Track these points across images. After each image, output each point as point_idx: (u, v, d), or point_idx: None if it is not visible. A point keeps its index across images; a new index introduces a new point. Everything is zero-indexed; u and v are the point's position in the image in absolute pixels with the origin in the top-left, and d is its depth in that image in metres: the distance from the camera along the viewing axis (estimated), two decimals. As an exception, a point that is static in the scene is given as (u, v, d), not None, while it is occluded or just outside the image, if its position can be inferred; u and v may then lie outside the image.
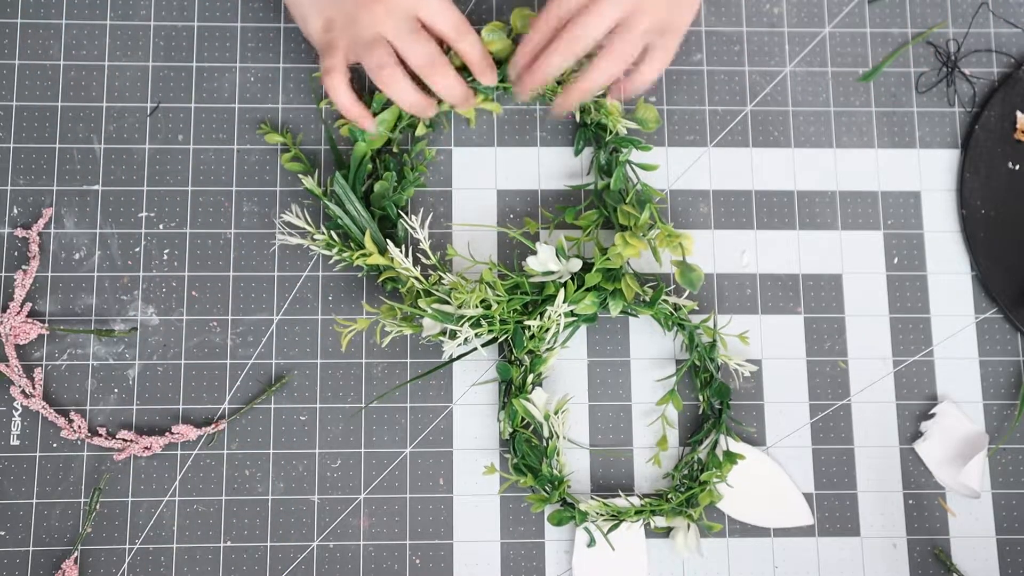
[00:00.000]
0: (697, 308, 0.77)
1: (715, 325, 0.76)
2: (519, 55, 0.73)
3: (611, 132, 0.77)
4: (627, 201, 0.75)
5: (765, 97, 0.80)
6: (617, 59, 0.71)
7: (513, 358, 0.74)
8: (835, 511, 0.75)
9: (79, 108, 0.78)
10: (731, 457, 0.74)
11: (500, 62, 0.76)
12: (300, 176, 0.77)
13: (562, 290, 0.72)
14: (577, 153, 0.79)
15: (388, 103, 0.76)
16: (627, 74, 0.73)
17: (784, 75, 0.81)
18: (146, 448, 0.73)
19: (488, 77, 0.74)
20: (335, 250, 0.75)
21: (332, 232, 0.75)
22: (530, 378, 0.74)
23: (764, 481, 0.75)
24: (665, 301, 0.74)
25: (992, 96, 0.80)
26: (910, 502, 0.76)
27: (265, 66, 0.79)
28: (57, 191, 0.77)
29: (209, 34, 0.79)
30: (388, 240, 0.74)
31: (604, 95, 0.76)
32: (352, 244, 0.75)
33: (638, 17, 0.70)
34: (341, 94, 0.72)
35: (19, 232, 0.76)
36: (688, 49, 0.81)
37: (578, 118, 0.78)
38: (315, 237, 0.75)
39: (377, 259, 0.73)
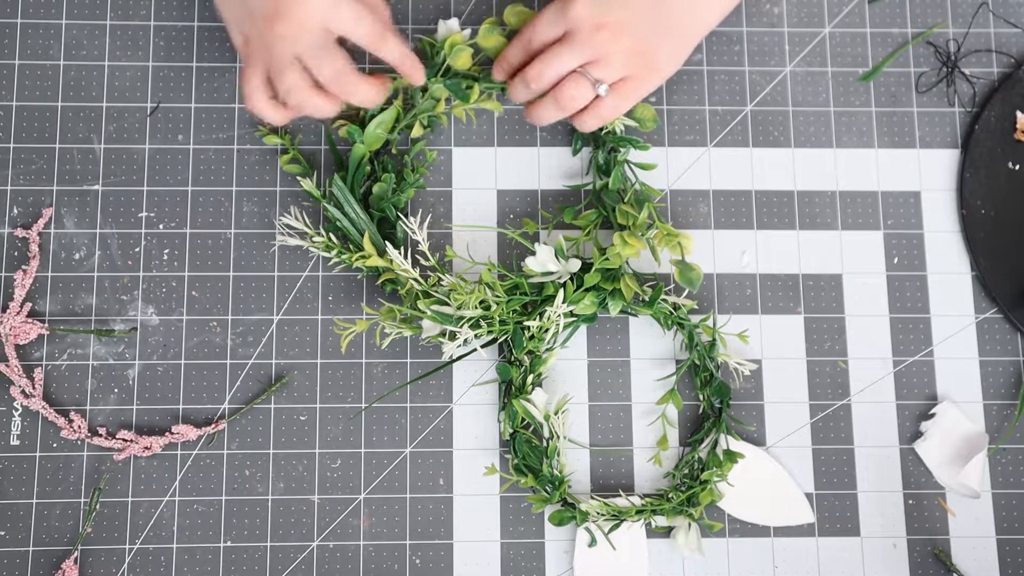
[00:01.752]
0: (696, 308, 0.77)
1: (715, 324, 0.76)
2: (495, 71, 0.75)
3: (608, 131, 0.77)
4: (625, 200, 0.75)
5: (765, 97, 0.80)
6: (560, 104, 0.72)
7: (513, 358, 0.74)
8: (835, 511, 0.75)
9: (79, 108, 0.78)
10: (731, 456, 0.74)
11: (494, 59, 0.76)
12: (299, 178, 0.77)
13: (561, 290, 0.72)
14: (575, 153, 0.79)
15: (385, 107, 0.76)
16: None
17: (784, 75, 0.81)
18: (146, 448, 0.73)
19: (417, 77, 0.73)
20: (334, 252, 0.75)
21: (331, 234, 0.75)
22: (530, 378, 0.74)
23: (765, 480, 0.75)
24: (664, 300, 0.74)
25: (992, 96, 0.80)
26: (910, 502, 0.76)
27: (265, 66, 0.79)
28: (57, 191, 0.77)
29: (209, 34, 0.79)
30: (387, 242, 0.74)
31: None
32: (351, 246, 0.75)
33: (596, 67, 0.70)
34: (265, 111, 0.71)
35: (19, 232, 0.76)
36: (688, 49, 0.81)
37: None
38: (314, 239, 0.75)
39: (376, 261, 0.73)
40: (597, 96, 0.71)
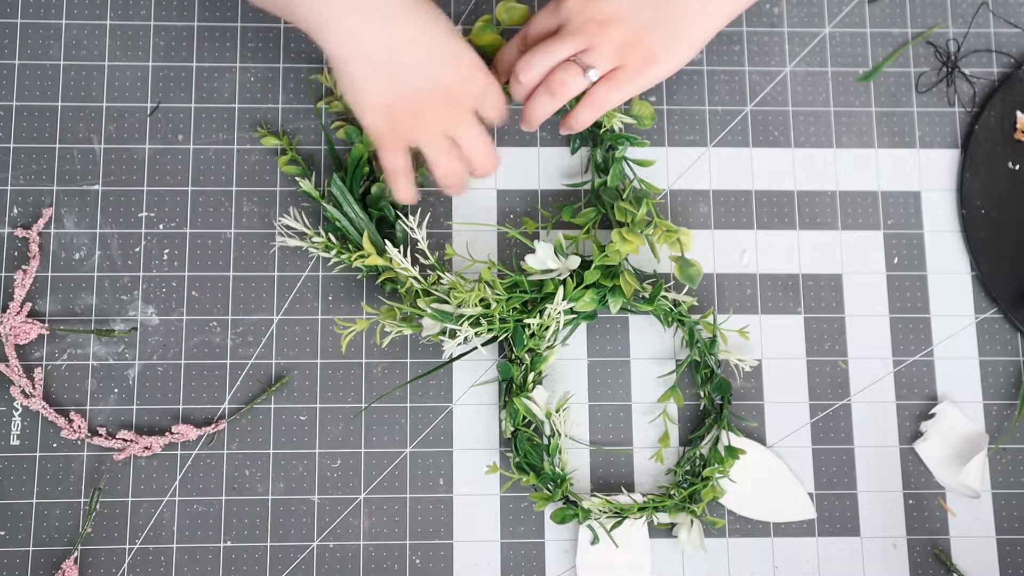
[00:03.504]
0: (697, 306, 0.77)
1: (715, 321, 0.76)
2: (496, 72, 0.75)
3: (606, 128, 0.77)
4: (624, 198, 0.75)
5: (765, 97, 0.81)
6: (552, 91, 0.71)
7: (513, 357, 0.74)
8: (835, 511, 0.75)
9: (79, 108, 0.78)
10: (733, 452, 0.74)
11: (490, 56, 0.76)
12: (297, 179, 0.77)
13: (561, 288, 0.72)
14: (574, 151, 0.79)
15: None
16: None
17: (784, 75, 0.81)
18: (146, 448, 0.73)
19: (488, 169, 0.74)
20: (333, 252, 0.75)
21: (330, 234, 0.75)
22: (531, 377, 0.74)
23: (766, 476, 0.75)
24: (664, 297, 0.74)
25: (992, 96, 0.80)
26: (910, 502, 0.76)
27: (265, 66, 0.79)
28: (57, 191, 0.77)
29: (209, 34, 0.80)
30: (386, 241, 0.74)
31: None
32: (351, 246, 0.75)
33: (587, 55, 0.70)
34: (409, 192, 0.72)
35: (19, 232, 0.76)
36: (688, 49, 0.81)
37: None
38: (313, 239, 0.75)
39: (375, 260, 0.73)
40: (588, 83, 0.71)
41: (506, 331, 0.73)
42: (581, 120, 0.72)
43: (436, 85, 0.69)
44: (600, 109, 0.71)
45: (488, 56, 0.76)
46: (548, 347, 0.74)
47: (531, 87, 0.71)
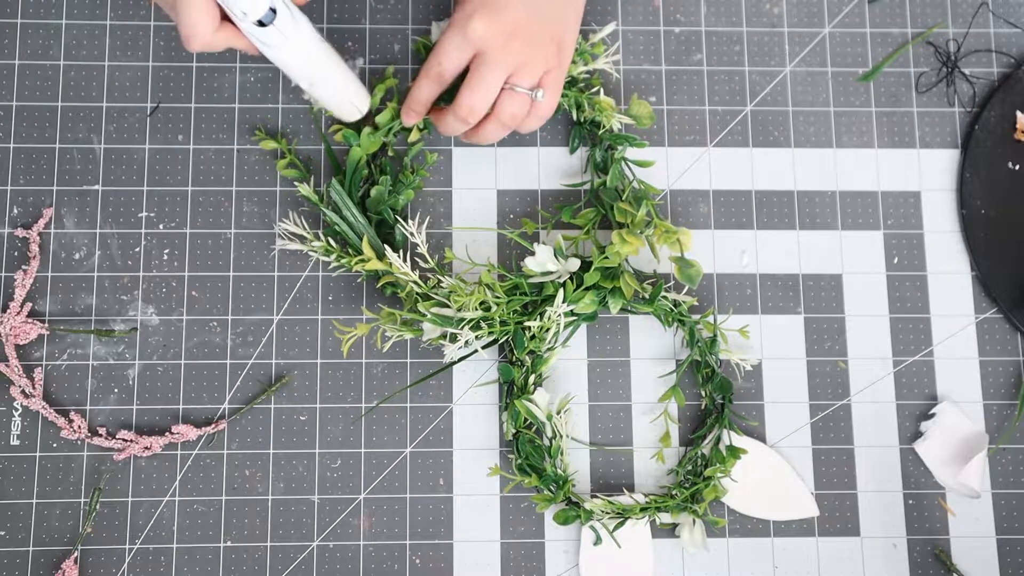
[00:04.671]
0: (697, 306, 0.77)
1: (715, 320, 0.77)
2: (407, 116, 0.74)
3: (605, 128, 0.77)
4: (623, 198, 0.75)
5: (765, 97, 0.81)
6: (505, 124, 0.71)
7: (514, 359, 0.74)
8: (835, 511, 0.75)
9: (79, 108, 0.78)
10: (734, 452, 0.74)
11: None
12: (296, 183, 0.77)
13: (561, 290, 0.72)
14: (572, 151, 0.79)
15: (380, 108, 0.76)
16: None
17: (784, 75, 0.81)
18: (146, 448, 0.73)
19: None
20: (333, 256, 0.74)
21: (330, 238, 0.75)
22: (532, 378, 0.74)
23: (769, 475, 0.75)
24: (665, 298, 0.74)
25: (992, 96, 0.80)
26: (910, 502, 0.76)
27: (265, 66, 0.79)
28: (57, 191, 0.77)
29: (209, 34, 0.79)
30: (386, 245, 0.74)
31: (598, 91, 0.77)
32: (351, 250, 0.75)
33: (522, 76, 0.69)
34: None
35: (19, 232, 0.76)
36: (688, 49, 0.81)
37: (573, 116, 0.78)
38: (313, 244, 0.75)
39: (375, 264, 0.73)
40: (532, 102, 0.71)
41: (506, 333, 0.73)
42: (530, 130, 0.73)
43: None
44: (548, 116, 0.72)
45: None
46: (548, 349, 0.74)
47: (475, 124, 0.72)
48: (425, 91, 0.72)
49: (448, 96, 0.73)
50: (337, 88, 0.70)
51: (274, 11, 0.64)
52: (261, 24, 0.65)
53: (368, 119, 0.77)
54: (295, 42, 0.66)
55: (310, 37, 0.67)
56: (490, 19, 0.68)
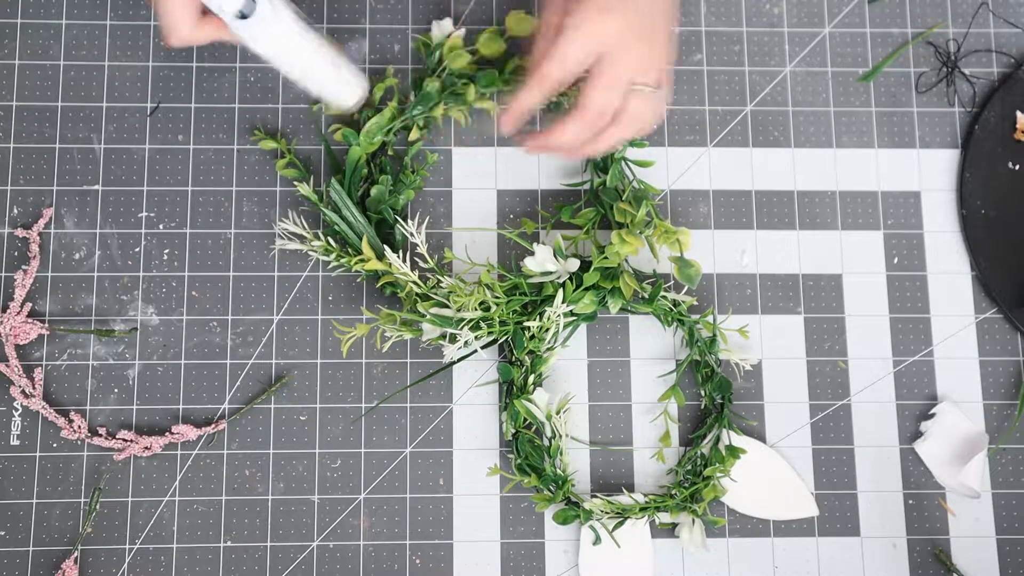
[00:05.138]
0: (696, 305, 0.77)
1: (715, 320, 0.76)
2: (507, 124, 0.70)
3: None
4: (623, 198, 0.75)
5: (765, 97, 0.81)
6: (632, 127, 0.68)
7: (514, 359, 0.74)
8: (835, 511, 0.75)
9: (79, 108, 0.78)
10: (734, 451, 0.74)
11: (497, 63, 0.76)
12: (296, 183, 0.77)
13: (561, 290, 0.72)
14: (572, 151, 0.79)
15: (380, 107, 0.76)
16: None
17: (784, 75, 0.81)
18: (146, 448, 0.73)
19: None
20: (333, 256, 0.74)
21: (330, 238, 0.75)
22: (531, 378, 0.74)
23: (768, 474, 0.75)
24: (664, 297, 0.74)
25: (992, 96, 0.80)
26: (910, 502, 0.76)
27: (265, 66, 0.79)
28: (57, 191, 0.77)
29: (209, 34, 0.79)
30: (386, 245, 0.74)
31: None
32: (350, 250, 0.75)
33: (646, 73, 0.67)
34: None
35: (19, 232, 0.76)
36: (688, 49, 0.81)
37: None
38: (313, 244, 0.75)
39: (375, 265, 0.73)
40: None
41: (506, 333, 0.73)
42: (646, 131, 0.70)
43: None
44: (663, 112, 0.70)
45: (495, 62, 0.75)
46: (548, 349, 0.74)
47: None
48: (536, 98, 0.68)
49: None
50: (327, 77, 0.70)
51: (254, 2, 0.64)
52: (243, 17, 0.65)
53: (368, 106, 0.77)
54: (278, 34, 0.66)
55: (293, 28, 0.67)
56: (613, 18, 0.66)
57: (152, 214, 0.77)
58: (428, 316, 0.71)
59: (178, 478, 0.74)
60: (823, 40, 0.81)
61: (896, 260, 0.79)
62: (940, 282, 0.78)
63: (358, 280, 0.77)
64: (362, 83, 0.72)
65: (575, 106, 0.67)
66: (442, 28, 0.78)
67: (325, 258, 0.75)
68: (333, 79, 0.70)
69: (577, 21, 0.66)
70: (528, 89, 0.68)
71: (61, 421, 0.73)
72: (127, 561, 0.73)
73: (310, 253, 0.77)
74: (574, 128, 0.68)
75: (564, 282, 0.73)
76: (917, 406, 0.77)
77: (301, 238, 0.77)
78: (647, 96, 0.68)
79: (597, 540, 0.73)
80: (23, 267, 0.76)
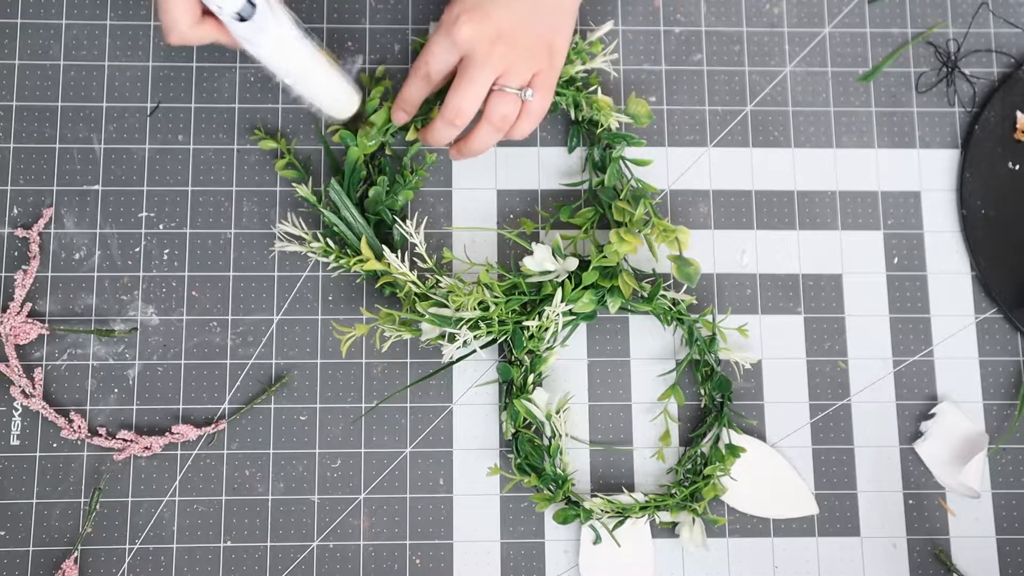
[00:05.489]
0: (696, 304, 0.77)
1: (715, 319, 0.76)
2: (396, 115, 0.74)
3: (603, 127, 0.77)
4: (622, 197, 0.75)
5: (765, 97, 0.81)
6: (496, 126, 0.71)
7: (513, 358, 0.74)
8: (835, 511, 0.75)
9: (79, 108, 0.78)
10: (734, 450, 0.74)
11: None
12: (294, 184, 0.77)
13: (560, 289, 0.72)
14: (571, 150, 0.79)
15: (379, 106, 0.76)
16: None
17: (784, 75, 0.81)
18: (146, 448, 0.73)
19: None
20: (332, 257, 0.74)
21: (329, 239, 0.75)
22: (531, 378, 0.74)
23: (769, 473, 0.75)
24: (663, 296, 0.74)
25: (992, 96, 0.80)
26: (910, 502, 0.76)
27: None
28: (57, 191, 0.77)
29: (209, 34, 0.79)
30: (385, 245, 0.74)
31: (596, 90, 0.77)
32: (349, 250, 0.75)
33: (509, 78, 0.69)
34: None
35: (19, 232, 0.76)
36: (688, 49, 0.81)
37: (572, 115, 0.78)
38: (312, 245, 0.75)
39: (374, 265, 0.73)
40: (523, 102, 0.71)
41: (505, 333, 0.73)
42: (523, 134, 0.72)
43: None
44: (540, 117, 0.72)
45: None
46: (547, 348, 0.74)
47: (463, 128, 0.71)
48: (414, 91, 0.73)
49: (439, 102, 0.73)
50: (321, 85, 0.70)
51: (253, 5, 0.64)
52: (241, 19, 0.65)
53: (360, 119, 0.76)
54: (276, 38, 0.66)
55: (291, 34, 0.67)
56: (476, 23, 0.68)
57: (152, 214, 0.77)
58: (427, 316, 0.71)
59: (178, 478, 0.74)
60: (823, 40, 0.81)
61: (896, 260, 0.79)
62: (940, 282, 0.78)
63: (358, 280, 0.77)
64: (357, 95, 0.72)
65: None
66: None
67: (324, 259, 0.75)
68: (327, 87, 0.70)
69: (446, 21, 0.69)
70: (406, 83, 0.73)
71: (61, 421, 0.73)
72: (127, 561, 0.73)
73: (309, 254, 0.77)
74: (439, 125, 0.71)
75: (563, 281, 0.73)
76: (917, 406, 0.77)
77: (300, 240, 0.77)
78: (509, 98, 0.70)
79: (597, 539, 0.73)
80: (23, 267, 0.76)
